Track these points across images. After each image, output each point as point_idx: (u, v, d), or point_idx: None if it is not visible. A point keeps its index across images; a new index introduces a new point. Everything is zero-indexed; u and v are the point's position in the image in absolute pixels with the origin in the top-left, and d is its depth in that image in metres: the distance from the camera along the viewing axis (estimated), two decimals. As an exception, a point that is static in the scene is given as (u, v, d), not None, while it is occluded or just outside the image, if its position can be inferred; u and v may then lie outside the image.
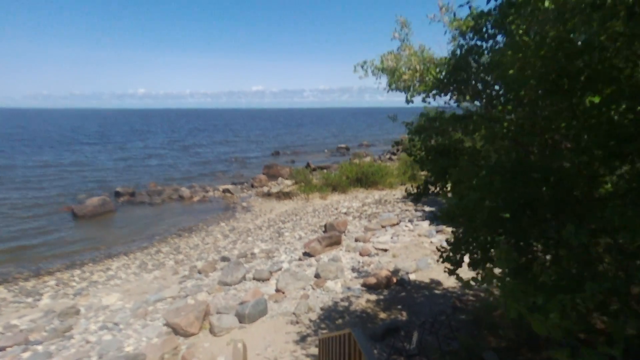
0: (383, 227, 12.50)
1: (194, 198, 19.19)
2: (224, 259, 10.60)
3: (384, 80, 5.10)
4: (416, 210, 14.64)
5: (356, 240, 11.31)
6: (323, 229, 13.00)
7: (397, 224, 12.79)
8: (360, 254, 10.06)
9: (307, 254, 10.36)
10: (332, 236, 10.61)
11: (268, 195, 19.51)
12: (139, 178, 24.61)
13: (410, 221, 13.03)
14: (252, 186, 21.77)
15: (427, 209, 14.69)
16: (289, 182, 22.53)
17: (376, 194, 18.41)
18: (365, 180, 19.71)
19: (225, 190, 20.29)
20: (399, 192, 18.37)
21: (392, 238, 11.23)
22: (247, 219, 15.66)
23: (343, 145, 41.91)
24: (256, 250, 11.24)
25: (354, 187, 19.69)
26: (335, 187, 19.36)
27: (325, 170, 24.61)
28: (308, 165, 25.48)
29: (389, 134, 63.11)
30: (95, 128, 79.09)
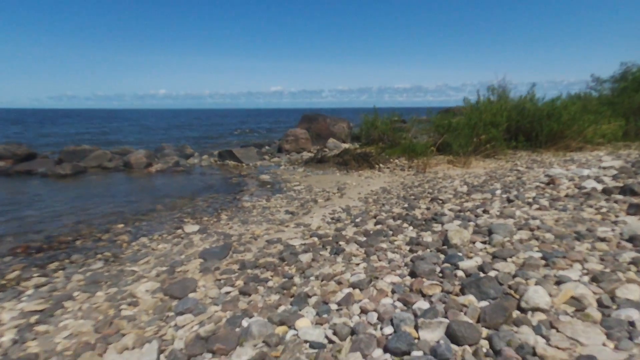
0: None
1: (153, 167, 8.67)
2: None
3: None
4: None
5: None
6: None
7: None
8: None
9: None
10: None
11: (318, 161, 8.85)
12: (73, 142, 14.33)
13: None
14: (281, 150, 11.17)
15: None
16: (348, 145, 11.84)
17: (566, 157, 7.44)
18: (533, 132, 8.76)
19: (226, 155, 9.73)
20: (605, 155, 7.35)
21: None
22: (276, 208, 5.01)
23: (395, 119, 30.86)
24: None
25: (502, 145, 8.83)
26: (464, 146, 8.55)
27: (406, 130, 13.62)
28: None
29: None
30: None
